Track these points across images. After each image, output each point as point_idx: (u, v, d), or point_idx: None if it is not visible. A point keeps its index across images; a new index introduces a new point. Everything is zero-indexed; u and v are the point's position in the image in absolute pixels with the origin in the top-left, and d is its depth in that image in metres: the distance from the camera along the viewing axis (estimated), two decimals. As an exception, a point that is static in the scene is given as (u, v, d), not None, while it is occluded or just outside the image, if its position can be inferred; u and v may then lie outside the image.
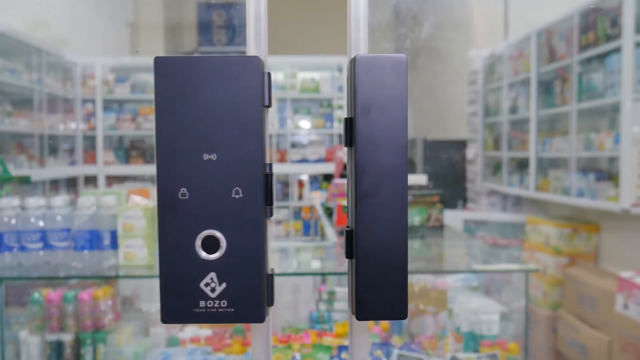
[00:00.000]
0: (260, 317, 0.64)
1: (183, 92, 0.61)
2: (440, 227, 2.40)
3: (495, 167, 4.76)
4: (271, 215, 0.64)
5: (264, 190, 0.63)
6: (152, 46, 5.53)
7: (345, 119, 0.65)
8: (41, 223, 1.71)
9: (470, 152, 5.04)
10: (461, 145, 5.13)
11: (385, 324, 1.86)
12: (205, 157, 0.62)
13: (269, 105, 0.64)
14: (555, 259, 3.39)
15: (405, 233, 0.63)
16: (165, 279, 0.62)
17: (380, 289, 0.63)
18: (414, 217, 2.37)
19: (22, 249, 1.70)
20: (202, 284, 0.63)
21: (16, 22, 4.01)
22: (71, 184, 4.96)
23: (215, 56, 0.61)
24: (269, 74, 0.64)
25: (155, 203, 1.76)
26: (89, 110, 5.10)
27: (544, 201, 3.92)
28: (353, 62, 0.63)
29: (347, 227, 0.66)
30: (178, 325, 1.94)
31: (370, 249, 0.63)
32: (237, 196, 0.62)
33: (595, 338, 2.79)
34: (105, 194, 1.74)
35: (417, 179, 2.60)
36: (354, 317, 0.66)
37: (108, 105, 5.19)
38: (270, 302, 0.65)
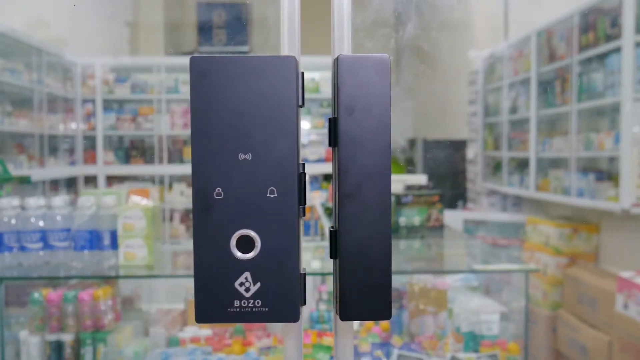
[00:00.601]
0: (294, 317, 0.64)
1: (218, 91, 0.61)
2: (440, 227, 2.40)
3: (495, 167, 4.76)
4: (304, 214, 0.64)
5: (298, 190, 0.63)
6: (152, 46, 5.53)
7: (329, 119, 0.65)
8: (41, 223, 1.71)
9: (470, 152, 5.04)
10: (461, 145, 5.13)
11: (385, 324, 1.86)
12: (241, 156, 0.62)
13: (302, 105, 0.64)
14: (555, 259, 3.39)
15: (389, 233, 0.63)
16: (199, 278, 0.63)
17: (364, 289, 0.63)
18: (414, 217, 2.37)
19: (22, 249, 1.70)
20: (236, 284, 0.63)
21: (16, 22, 4.00)
22: (71, 184, 4.95)
23: (251, 56, 0.61)
24: (303, 74, 0.64)
25: (155, 203, 1.76)
26: (89, 110, 5.10)
27: (544, 201, 3.92)
28: (336, 62, 0.63)
29: (332, 227, 0.66)
30: (178, 325, 1.94)
31: (354, 249, 0.63)
32: (272, 196, 0.62)
33: (595, 338, 2.79)
34: (105, 194, 1.74)
35: (417, 179, 2.60)
36: (338, 318, 0.66)
37: (108, 105, 5.18)
38: (303, 302, 0.66)
